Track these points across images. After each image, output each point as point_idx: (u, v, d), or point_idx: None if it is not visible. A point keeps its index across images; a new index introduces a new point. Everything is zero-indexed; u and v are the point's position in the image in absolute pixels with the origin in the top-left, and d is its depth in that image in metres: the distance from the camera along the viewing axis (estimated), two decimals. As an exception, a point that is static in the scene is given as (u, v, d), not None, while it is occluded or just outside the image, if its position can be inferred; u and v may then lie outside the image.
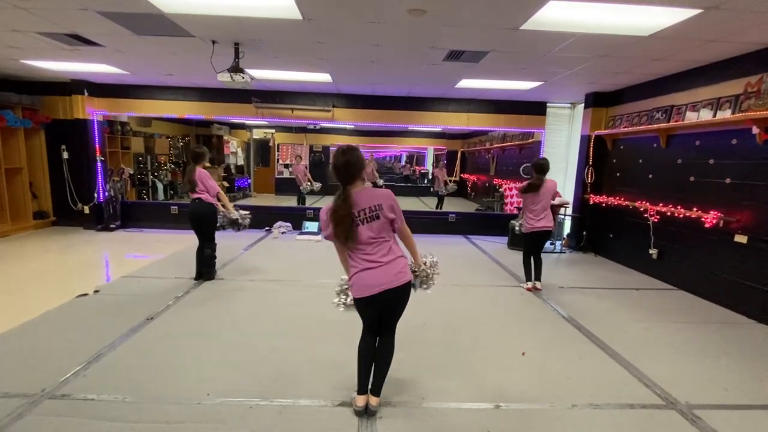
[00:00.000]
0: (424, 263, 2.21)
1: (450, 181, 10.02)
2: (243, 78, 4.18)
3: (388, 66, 4.83)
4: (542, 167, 4.08)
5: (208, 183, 3.97)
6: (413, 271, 2.13)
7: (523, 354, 2.84)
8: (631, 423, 2.12)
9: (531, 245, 4.26)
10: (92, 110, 6.63)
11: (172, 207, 7.20)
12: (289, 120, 7.28)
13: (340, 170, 1.93)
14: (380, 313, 2.05)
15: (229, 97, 6.76)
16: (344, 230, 1.90)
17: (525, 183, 4.15)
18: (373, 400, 2.08)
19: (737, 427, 2.12)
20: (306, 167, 9.29)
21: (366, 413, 2.07)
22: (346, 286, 2.13)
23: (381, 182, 10.78)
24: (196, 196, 3.97)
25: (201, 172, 3.96)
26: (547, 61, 4.31)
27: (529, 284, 4.26)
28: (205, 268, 4.18)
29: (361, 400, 2.08)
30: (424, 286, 2.23)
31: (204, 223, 4.06)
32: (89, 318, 3.20)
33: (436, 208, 9.57)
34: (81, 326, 3.04)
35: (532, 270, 4.29)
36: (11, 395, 2.15)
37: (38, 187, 6.69)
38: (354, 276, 2.00)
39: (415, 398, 2.26)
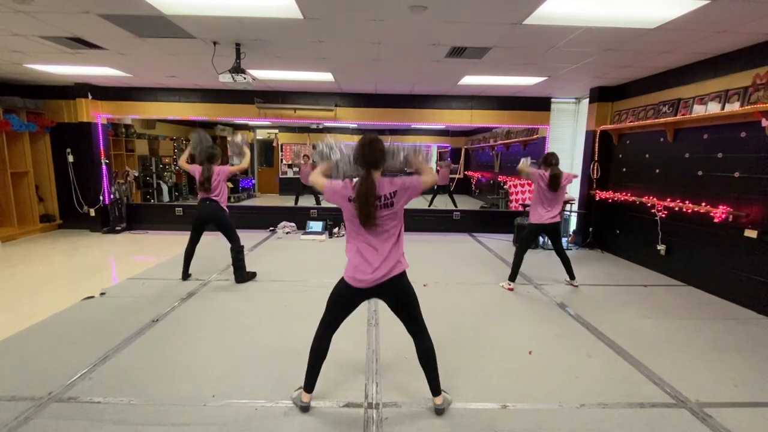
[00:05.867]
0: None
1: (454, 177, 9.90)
2: (244, 78, 4.17)
3: (390, 64, 4.80)
4: (548, 160, 4.00)
5: (224, 173, 4.03)
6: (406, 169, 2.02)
7: (530, 353, 2.81)
8: (640, 422, 2.09)
9: (533, 240, 4.20)
10: (96, 113, 6.66)
11: (176, 208, 7.23)
12: (292, 120, 7.27)
13: (366, 153, 1.91)
14: (396, 311, 2.05)
15: (232, 98, 6.77)
16: (368, 213, 1.87)
17: (547, 175, 3.95)
18: (438, 400, 2.11)
19: (749, 425, 2.08)
20: (313, 167, 9.21)
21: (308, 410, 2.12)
22: None
23: None
24: (207, 196, 3.97)
25: (221, 168, 4.00)
26: (551, 55, 4.26)
27: (512, 284, 4.15)
28: (235, 269, 4.16)
29: (307, 397, 2.12)
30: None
31: (219, 224, 4.06)
32: (95, 320, 3.21)
33: (430, 203, 9.56)
34: (87, 329, 3.05)
35: (568, 269, 4.22)
36: (18, 398, 2.16)
37: (44, 191, 6.75)
38: (348, 263, 2.00)
39: (421, 398, 2.24)
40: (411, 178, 1.97)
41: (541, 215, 4.03)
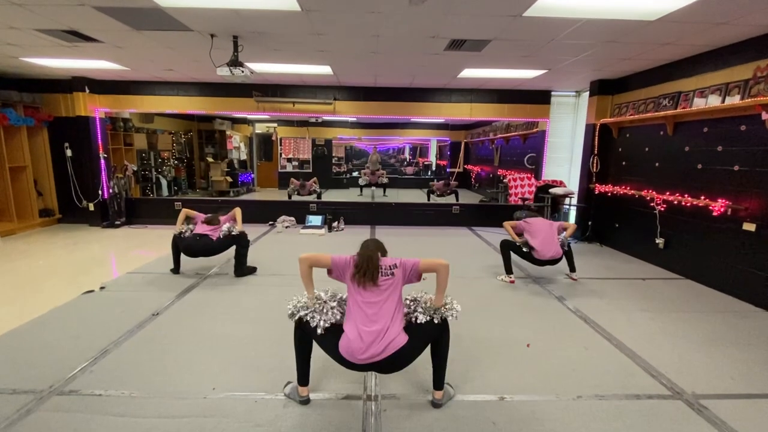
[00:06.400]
0: (444, 305, 2.06)
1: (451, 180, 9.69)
2: (242, 72, 4.15)
3: (389, 57, 4.77)
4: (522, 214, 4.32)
5: (229, 219, 4.27)
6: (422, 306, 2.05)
7: (527, 346, 2.83)
8: (636, 413, 2.11)
9: (522, 254, 4.08)
10: (94, 107, 6.63)
11: (176, 203, 7.21)
12: (291, 114, 7.24)
13: (370, 243, 2.16)
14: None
15: (230, 92, 6.73)
16: (369, 270, 1.99)
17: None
18: (437, 395, 2.13)
19: (744, 417, 2.10)
20: (315, 182, 9.12)
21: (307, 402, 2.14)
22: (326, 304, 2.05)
23: (386, 180, 10.61)
24: (203, 232, 4.01)
25: (225, 217, 4.26)
26: (551, 48, 4.23)
27: (512, 276, 4.18)
28: (236, 264, 4.21)
29: (305, 391, 2.14)
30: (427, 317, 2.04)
31: (218, 252, 4.14)
32: (95, 314, 3.22)
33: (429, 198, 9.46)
34: (87, 323, 3.07)
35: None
36: (19, 391, 2.18)
37: (43, 185, 6.73)
38: (343, 336, 1.94)
39: (419, 391, 2.26)
40: (413, 260, 2.06)
41: (542, 253, 3.91)
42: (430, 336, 2.03)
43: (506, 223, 4.26)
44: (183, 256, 4.22)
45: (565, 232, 4.11)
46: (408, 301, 2.11)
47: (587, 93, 6.23)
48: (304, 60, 5.01)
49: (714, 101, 4.04)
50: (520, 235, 4.15)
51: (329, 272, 2.12)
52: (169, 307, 3.39)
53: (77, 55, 4.90)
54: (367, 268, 2.00)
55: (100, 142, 6.76)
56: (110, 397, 2.15)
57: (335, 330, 1.98)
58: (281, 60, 5.02)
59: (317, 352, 2.10)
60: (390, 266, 2.05)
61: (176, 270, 4.23)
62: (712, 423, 2.04)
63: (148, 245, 5.67)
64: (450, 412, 2.09)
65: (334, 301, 2.10)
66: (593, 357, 2.70)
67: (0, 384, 2.25)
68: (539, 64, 5.00)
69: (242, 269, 4.19)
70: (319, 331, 1.97)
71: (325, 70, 5.53)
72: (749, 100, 3.63)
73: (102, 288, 3.79)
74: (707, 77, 4.20)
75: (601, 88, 5.81)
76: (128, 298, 3.58)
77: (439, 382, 2.11)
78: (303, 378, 2.13)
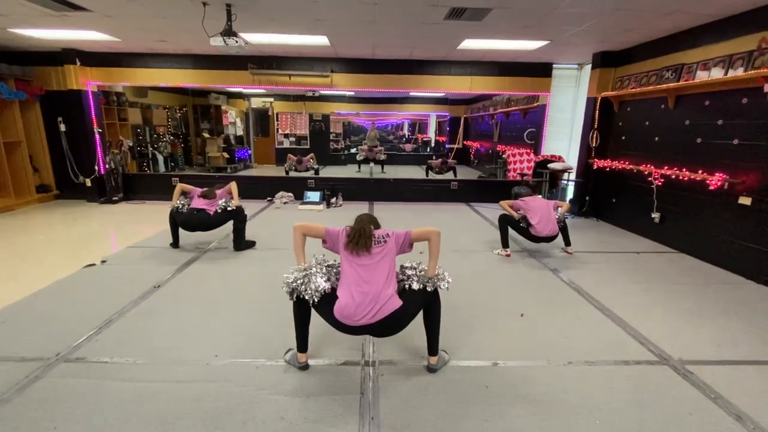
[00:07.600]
0: (436, 275, 2.13)
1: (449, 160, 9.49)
2: (237, 42, 4.04)
3: (387, 27, 4.65)
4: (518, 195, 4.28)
5: (225, 193, 4.26)
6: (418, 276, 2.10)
7: (521, 315, 2.90)
8: (624, 378, 2.19)
9: (519, 230, 4.12)
10: (86, 80, 6.48)
11: (173, 179, 7.18)
12: (287, 87, 7.10)
13: (363, 216, 2.27)
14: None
15: (225, 64, 6.58)
16: (362, 239, 2.07)
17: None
18: (432, 360, 2.20)
19: (726, 381, 2.18)
20: (312, 158, 9.00)
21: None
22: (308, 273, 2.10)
23: (383, 156, 10.51)
24: (200, 206, 3.99)
25: (221, 192, 4.23)
26: (553, 17, 4.12)
27: (508, 250, 4.23)
28: (235, 238, 4.25)
29: (303, 357, 2.22)
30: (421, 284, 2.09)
31: (215, 226, 4.15)
32: (98, 287, 3.28)
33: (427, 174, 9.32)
34: (90, 295, 3.12)
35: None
36: (27, 359, 2.25)
37: (38, 161, 6.68)
38: (339, 300, 1.97)
39: (415, 357, 2.34)
40: (405, 231, 2.15)
41: (539, 230, 3.92)
42: (422, 301, 2.08)
43: (503, 202, 4.27)
44: (181, 231, 4.24)
45: (560, 209, 4.15)
46: (404, 268, 2.16)
47: (589, 66, 6.11)
48: (300, 30, 4.88)
49: (717, 74, 3.97)
50: (517, 211, 4.19)
51: (323, 242, 2.19)
52: (170, 279, 3.44)
53: (66, 25, 4.76)
54: (359, 237, 2.07)
55: (93, 117, 6.65)
56: (116, 364, 2.22)
57: (330, 296, 2.02)
58: (276, 30, 4.89)
59: (316, 320, 2.15)
60: (383, 235, 2.12)
61: (175, 244, 4.27)
62: (697, 386, 2.13)
63: (146, 220, 5.69)
64: (444, 377, 2.17)
65: (322, 267, 2.13)
66: (585, 326, 2.78)
67: (8, 352, 2.31)
68: (541, 35, 4.88)
69: (241, 243, 4.23)
70: (312, 300, 2.01)
71: (322, 40, 5.39)
72: (752, 72, 3.57)
73: (103, 262, 3.83)
74: (711, 49, 4.12)
75: (604, 61, 5.69)
76: (129, 271, 3.62)
77: (433, 347, 2.18)
78: (302, 345, 2.20)
